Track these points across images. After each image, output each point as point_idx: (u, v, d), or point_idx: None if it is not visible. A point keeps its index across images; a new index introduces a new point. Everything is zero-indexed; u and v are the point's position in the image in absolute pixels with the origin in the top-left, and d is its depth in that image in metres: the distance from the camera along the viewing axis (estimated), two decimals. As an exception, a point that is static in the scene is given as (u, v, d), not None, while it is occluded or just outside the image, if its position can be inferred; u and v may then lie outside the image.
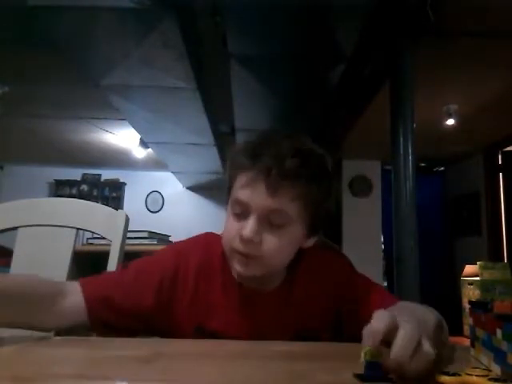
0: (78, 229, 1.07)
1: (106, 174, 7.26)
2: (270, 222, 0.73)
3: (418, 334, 0.47)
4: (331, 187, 0.77)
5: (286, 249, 0.76)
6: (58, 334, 0.75)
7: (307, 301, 0.82)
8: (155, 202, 7.29)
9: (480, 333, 0.58)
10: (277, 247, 0.73)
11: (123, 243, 1.06)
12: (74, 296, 0.76)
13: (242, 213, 0.74)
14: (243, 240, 0.72)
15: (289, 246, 0.76)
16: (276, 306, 0.81)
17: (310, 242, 0.80)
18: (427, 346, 0.46)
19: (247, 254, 0.73)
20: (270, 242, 0.72)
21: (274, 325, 0.79)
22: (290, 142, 0.74)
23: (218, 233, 0.85)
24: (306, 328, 0.80)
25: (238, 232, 0.73)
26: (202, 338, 0.77)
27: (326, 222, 0.80)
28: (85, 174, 7.26)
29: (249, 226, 0.72)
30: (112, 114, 4.19)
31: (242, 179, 0.74)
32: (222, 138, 4.57)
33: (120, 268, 0.87)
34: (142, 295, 0.79)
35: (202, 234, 0.89)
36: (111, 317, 0.77)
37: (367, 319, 0.69)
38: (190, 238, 0.89)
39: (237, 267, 0.75)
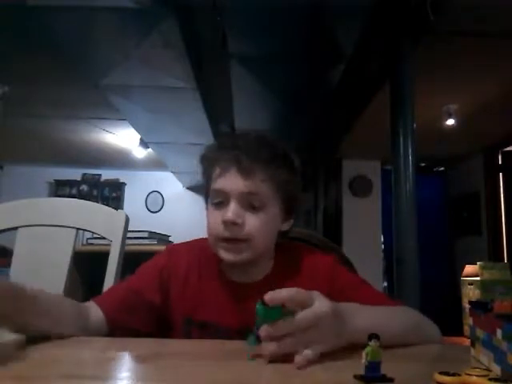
0: (77, 229, 1.08)
1: (106, 174, 7.25)
2: (248, 204, 0.79)
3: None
4: (296, 172, 0.86)
5: (267, 229, 0.82)
6: None
7: None
8: (155, 202, 7.29)
9: (480, 333, 0.58)
10: (259, 227, 0.79)
11: (123, 243, 1.06)
12: (95, 313, 0.79)
13: (222, 201, 0.80)
14: (227, 223, 0.77)
15: (269, 227, 0.82)
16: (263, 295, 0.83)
17: (287, 226, 0.87)
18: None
19: (233, 238, 0.78)
20: (252, 222, 0.78)
21: None
22: (255, 134, 0.84)
23: None
24: None
25: (221, 219, 0.78)
26: (191, 329, 0.82)
27: (299, 208, 0.88)
28: (85, 174, 7.26)
29: (230, 209, 0.78)
30: (112, 113, 4.19)
31: (216, 171, 0.81)
32: (222, 138, 4.57)
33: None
34: (149, 290, 0.84)
35: (194, 239, 0.95)
36: (128, 318, 0.81)
37: None
38: (183, 242, 0.95)
39: (224, 255, 0.79)
